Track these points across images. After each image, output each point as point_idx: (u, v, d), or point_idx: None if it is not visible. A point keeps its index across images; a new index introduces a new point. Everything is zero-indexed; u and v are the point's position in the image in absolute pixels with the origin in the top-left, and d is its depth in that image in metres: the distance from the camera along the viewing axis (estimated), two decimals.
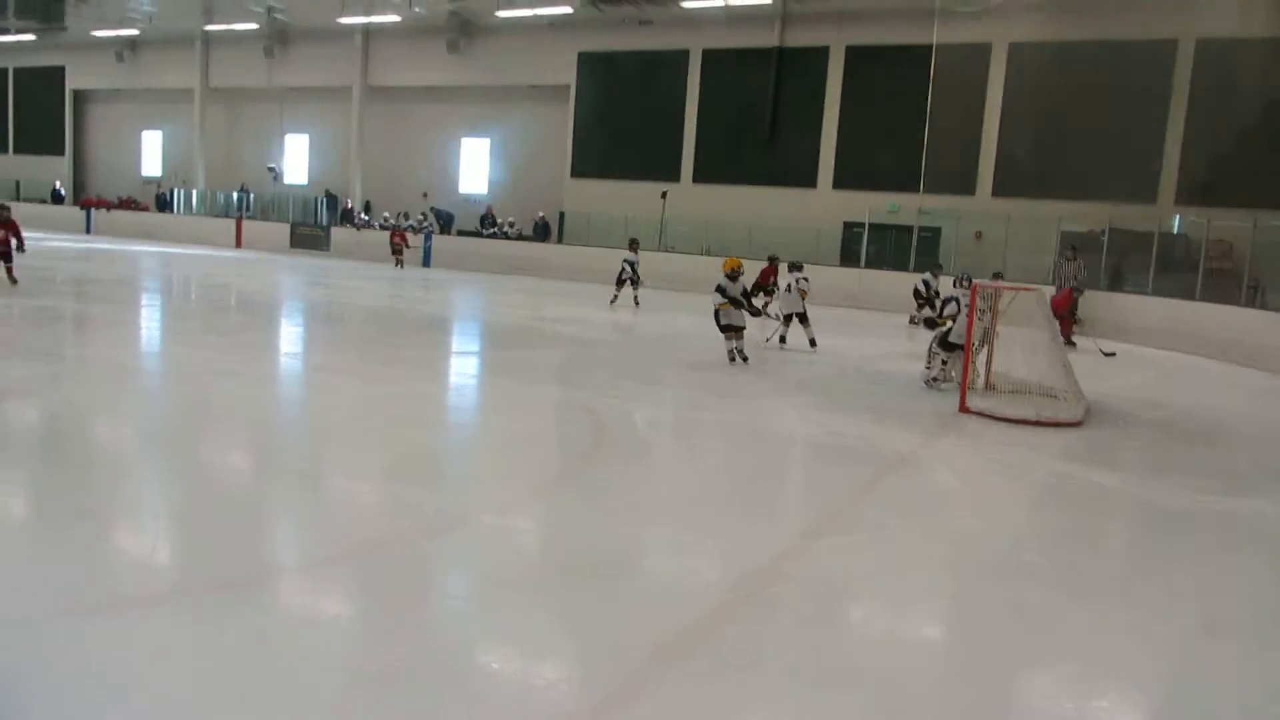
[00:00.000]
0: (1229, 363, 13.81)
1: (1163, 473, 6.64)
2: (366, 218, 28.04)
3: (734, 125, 23.97)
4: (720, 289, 10.31)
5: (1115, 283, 17.88)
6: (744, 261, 10.83)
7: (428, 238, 25.51)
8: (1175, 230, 18.70)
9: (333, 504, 4.94)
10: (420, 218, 26.71)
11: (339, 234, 27.44)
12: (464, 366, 10.41)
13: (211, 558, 3.94)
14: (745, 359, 10.30)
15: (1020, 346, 8.83)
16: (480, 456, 6.31)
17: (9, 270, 13.21)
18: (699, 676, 3.14)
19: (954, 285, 10.19)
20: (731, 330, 10.33)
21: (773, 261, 16.13)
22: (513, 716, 2.80)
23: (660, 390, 9.03)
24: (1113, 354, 13.48)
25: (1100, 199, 19.01)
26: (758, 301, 13.09)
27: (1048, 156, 20.29)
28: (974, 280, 9.53)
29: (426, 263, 25.11)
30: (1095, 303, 16.32)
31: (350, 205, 28.91)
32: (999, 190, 20.99)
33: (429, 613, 3.63)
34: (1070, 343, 13.82)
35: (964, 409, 8.27)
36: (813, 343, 11.87)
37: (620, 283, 16.35)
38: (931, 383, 9.43)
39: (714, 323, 10.44)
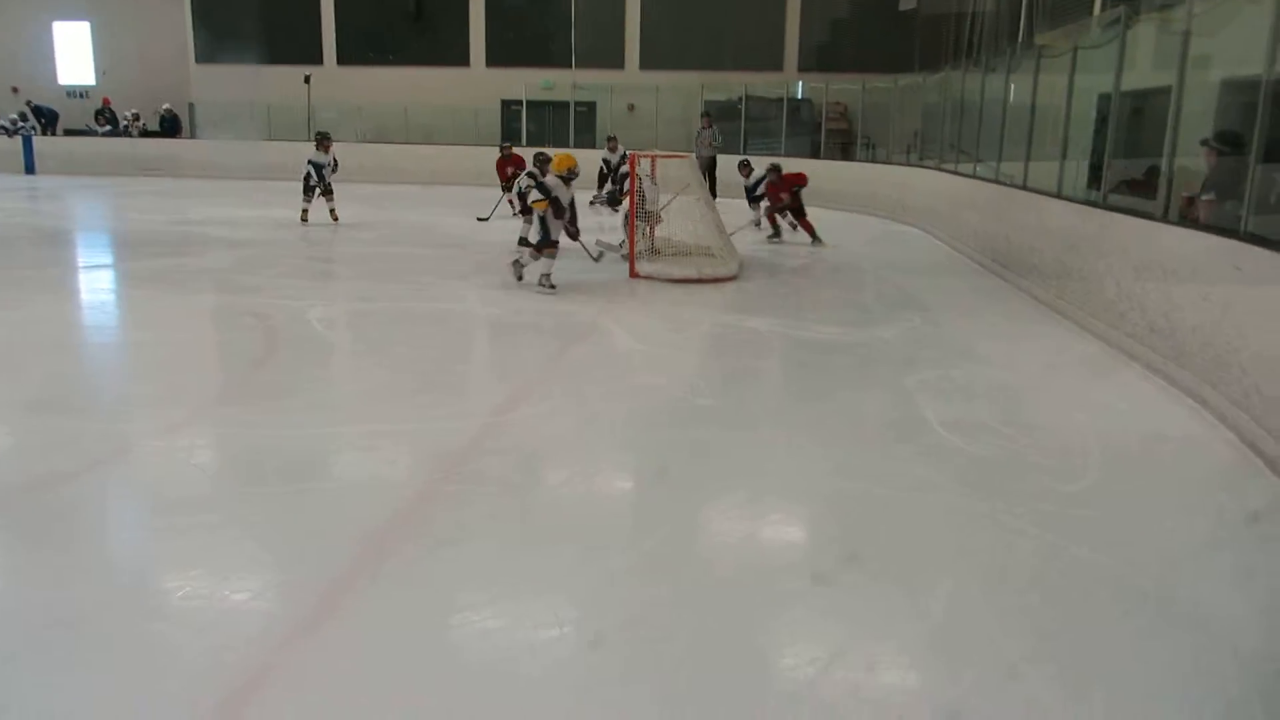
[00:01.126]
0: (849, 211, 15.62)
1: (805, 314, 7.48)
2: None
3: (377, 3, 22.57)
4: (548, 194, 7.81)
5: (756, 148, 19.39)
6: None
7: (27, 140, 21.90)
8: (799, 96, 20.51)
9: None
10: (16, 118, 22.73)
11: None
12: (100, 281, 9.24)
13: None
14: (552, 286, 7.88)
15: (679, 211, 9.41)
16: (139, 377, 5.72)
17: None
18: (412, 559, 3.18)
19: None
20: (550, 246, 7.93)
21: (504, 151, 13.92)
22: (218, 636, 2.67)
23: (332, 285, 8.63)
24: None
25: (736, 69, 20.35)
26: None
27: (686, 29, 21.27)
28: (630, 151, 9.93)
29: (30, 169, 21.65)
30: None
31: None
32: (645, 63, 21.73)
33: (105, 550, 3.32)
34: (818, 240, 11.39)
35: (634, 275, 8.73)
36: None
37: (308, 190, 12.66)
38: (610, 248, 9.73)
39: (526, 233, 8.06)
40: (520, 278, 8.09)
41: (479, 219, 12.99)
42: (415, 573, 3.08)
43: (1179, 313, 5.29)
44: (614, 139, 15.32)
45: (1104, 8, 10.80)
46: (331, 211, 12.68)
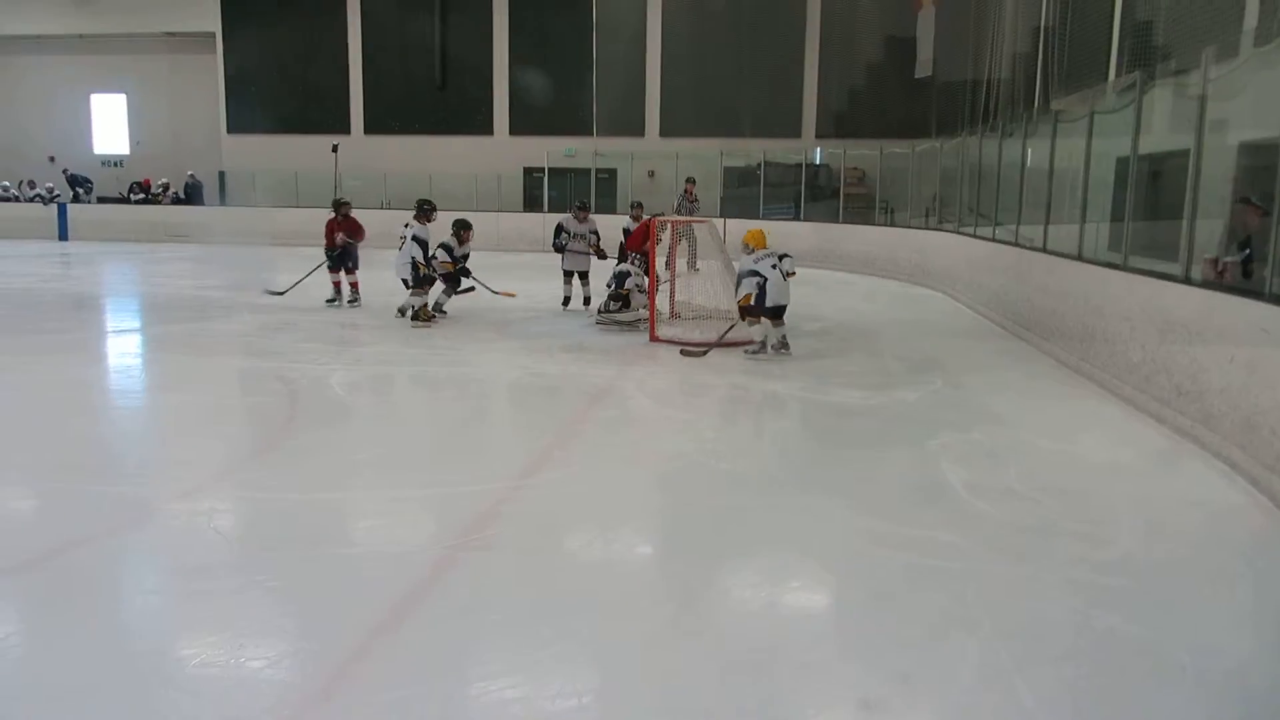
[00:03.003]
0: (869, 275, 15.70)
1: (826, 376, 7.43)
2: None
3: (402, 73, 23.22)
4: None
5: (773, 212, 19.58)
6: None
7: (61, 208, 22.48)
8: (818, 162, 20.75)
9: None
10: (49, 187, 23.35)
11: None
12: (129, 345, 9.36)
13: None
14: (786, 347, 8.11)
15: (699, 275, 9.47)
16: (161, 440, 5.75)
17: None
18: (429, 627, 3.13)
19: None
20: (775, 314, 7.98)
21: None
22: (232, 705, 2.63)
23: (354, 350, 8.68)
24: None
25: (755, 135, 20.68)
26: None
27: (706, 97, 21.70)
28: (650, 216, 10.04)
29: (64, 235, 22.17)
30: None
31: None
32: (666, 130, 22.13)
33: (123, 616, 3.30)
34: None
35: (654, 338, 8.75)
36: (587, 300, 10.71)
37: (419, 281, 9.46)
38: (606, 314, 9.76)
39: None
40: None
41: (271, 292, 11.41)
42: (432, 641, 3.04)
43: (1206, 375, 5.22)
44: (639, 206, 13.71)
45: (1119, 73, 10.90)
46: (439, 308, 9.86)
